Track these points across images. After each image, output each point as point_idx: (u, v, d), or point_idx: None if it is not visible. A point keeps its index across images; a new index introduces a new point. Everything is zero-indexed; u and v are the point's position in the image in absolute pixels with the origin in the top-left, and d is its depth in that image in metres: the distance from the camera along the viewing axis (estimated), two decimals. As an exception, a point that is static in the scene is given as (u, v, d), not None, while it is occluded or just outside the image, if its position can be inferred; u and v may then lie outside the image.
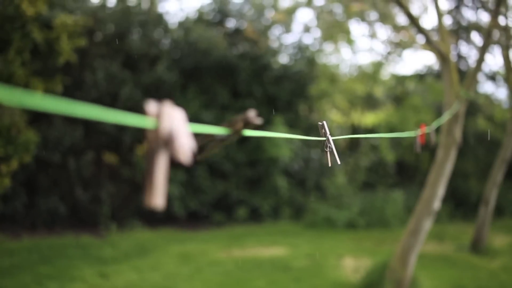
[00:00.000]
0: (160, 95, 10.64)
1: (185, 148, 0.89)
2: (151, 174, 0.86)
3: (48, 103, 0.80)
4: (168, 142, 0.88)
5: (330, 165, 1.96)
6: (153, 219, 10.09)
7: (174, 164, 0.91)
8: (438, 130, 6.39)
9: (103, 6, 10.92)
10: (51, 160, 9.47)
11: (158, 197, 0.85)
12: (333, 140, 1.97)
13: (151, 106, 0.91)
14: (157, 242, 8.63)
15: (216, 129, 1.23)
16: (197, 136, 1.24)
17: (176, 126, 0.90)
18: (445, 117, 5.07)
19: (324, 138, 1.96)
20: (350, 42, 11.98)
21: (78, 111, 0.83)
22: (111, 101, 10.10)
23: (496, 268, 7.56)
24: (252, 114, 1.22)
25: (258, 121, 1.24)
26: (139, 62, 10.78)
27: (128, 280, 6.34)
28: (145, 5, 11.60)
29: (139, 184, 10.15)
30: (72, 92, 9.71)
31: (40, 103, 0.79)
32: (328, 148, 1.94)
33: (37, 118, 8.81)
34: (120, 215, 9.77)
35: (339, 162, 1.92)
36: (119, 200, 10.12)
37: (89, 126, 9.92)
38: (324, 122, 1.99)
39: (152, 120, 0.89)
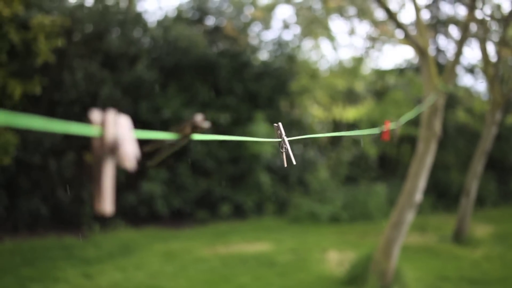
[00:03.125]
0: (140, 94, 10.59)
1: (130, 155, 0.90)
2: (99, 182, 0.87)
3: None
4: (113, 149, 0.89)
5: (286, 165, 1.98)
6: (136, 218, 10.05)
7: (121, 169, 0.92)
8: (418, 123, 6.46)
9: (80, 5, 10.81)
10: (31, 161, 9.38)
11: (106, 204, 0.86)
12: (289, 141, 1.99)
13: (95, 114, 0.91)
14: (140, 241, 8.60)
15: (164, 134, 1.23)
16: (147, 142, 1.24)
17: (121, 133, 0.91)
18: (417, 111, 5.11)
19: (279, 140, 1.98)
20: (330, 37, 12.02)
21: (19, 122, 0.83)
22: (91, 101, 10.02)
23: (478, 257, 7.66)
24: (199, 118, 1.22)
25: (206, 125, 1.24)
26: (119, 62, 10.71)
27: (112, 280, 6.31)
28: (123, 4, 11.52)
29: (121, 183, 10.09)
30: (50, 93, 9.63)
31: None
32: (283, 148, 1.96)
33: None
34: (103, 215, 9.71)
35: (294, 162, 1.94)
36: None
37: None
38: (280, 124, 2.00)
39: (96, 128, 0.89)
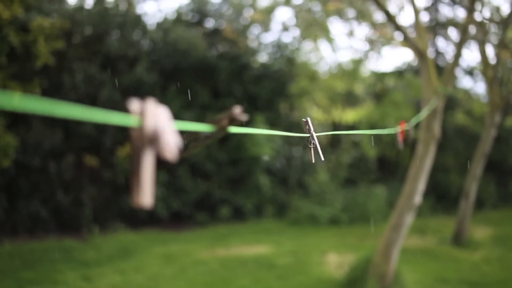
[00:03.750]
0: (139, 96, 10.54)
1: (171, 145, 0.88)
2: (138, 173, 0.84)
3: (29, 103, 0.79)
4: (153, 140, 0.87)
5: (313, 161, 1.98)
6: (136, 220, 10.04)
7: (160, 162, 0.90)
8: (417, 125, 6.46)
9: (80, 8, 10.82)
10: (31, 164, 9.37)
11: (146, 196, 0.84)
12: (316, 136, 1.98)
13: (134, 104, 0.90)
14: (140, 243, 8.59)
15: (201, 126, 1.22)
16: (182, 134, 1.23)
17: (161, 123, 0.89)
18: (424, 113, 5.12)
19: (308, 135, 1.97)
20: (329, 40, 12.02)
21: (60, 111, 0.83)
22: (91, 103, 10.01)
23: (478, 260, 7.66)
24: (237, 110, 1.21)
25: (244, 117, 1.24)
26: (118, 64, 10.71)
27: (111, 283, 6.30)
28: (123, 6, 11.52)
29: (121, 186, 10.09)
30: (50, 95, 9.60)
31: (21, 104, 0.78)
32: (312, 144, 1.95)
33: (15, 122, 8.71)
34: (102, 218, 9.71)
35: (322, 159, 1.93)
36: (101, 203, 10.05)
37: (69, 129, 9.84)
38: (308, 119, 1.99)
39: (135, 119, 0.88)
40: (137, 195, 0.84)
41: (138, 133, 0.87)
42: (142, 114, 0.89)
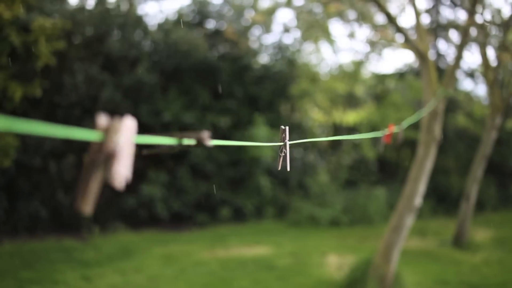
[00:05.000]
0: (140, 97, 10.59)
1: (120, 175, 0.91)
2: (86, 183, 0.88)
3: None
4: (107, 161, 0.89)
5: (279, 168, 2.01)
6: (136, 221, 10.04)
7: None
8: (418, 127, 6.46)
9: (81, 8, 10.83)
10: (31, 164, 9.37)
11: (87, 205, 0.88)
12: (290, 145, 2.01)
13: (102, 119, 0.92)
14: (140, 244, 8.59)
15: (168, 140, 1.23)
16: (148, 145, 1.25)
17: (120, 147, 0.91)
18: (419, 115, 5.11)
19: (281, 143, 2.00)
20: (330, 41, 12.03)
21: (22, 128, 0.84)
22: (91, 104, 10.02)
23: (478, 262, 7.65)
24: (206, 135, 1.23)
25: (209, 143, 1.25)
26: (119, 65, 10.71)
27: (111, 283, 6.30)
28: (124, 7, 11.54)
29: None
30: (51, 95, 9.62)
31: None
32: (282, 152, 1.99)
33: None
34: (103, 218, 9.70)
35: (288, 169, 1.96)
36: (102, 203, 10.01)
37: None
38: (287, 128, 2.02)
39: (99, 134, 0.90)
40: (80, 201, 0.87)
41: (97, 147, 0.90)
42: (106, 131, 0.90)
